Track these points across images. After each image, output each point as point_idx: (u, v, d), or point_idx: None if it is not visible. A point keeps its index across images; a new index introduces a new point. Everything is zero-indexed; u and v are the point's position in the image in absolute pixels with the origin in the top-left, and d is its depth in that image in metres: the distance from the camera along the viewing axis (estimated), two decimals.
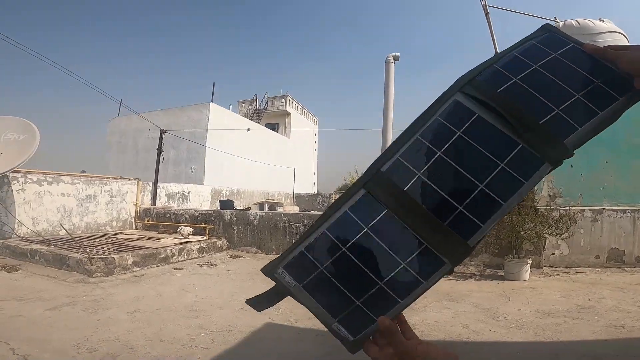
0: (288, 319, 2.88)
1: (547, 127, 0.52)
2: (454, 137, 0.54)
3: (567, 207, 4.32)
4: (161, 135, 8.92)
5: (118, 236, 5.90)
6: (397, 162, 0.55)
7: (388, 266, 0.52)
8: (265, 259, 5.56)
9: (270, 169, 18.12)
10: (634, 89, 0.51)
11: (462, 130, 0.54)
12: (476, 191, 0.52)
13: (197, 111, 14.96)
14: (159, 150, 8.67)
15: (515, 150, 0.52)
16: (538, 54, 0.58)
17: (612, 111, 0.53)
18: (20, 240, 5.01)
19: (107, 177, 7.06)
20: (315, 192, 19.93)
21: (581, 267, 4.53)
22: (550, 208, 4.25)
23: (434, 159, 0.54)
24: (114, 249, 4.62)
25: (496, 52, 6.00)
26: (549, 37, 0.61)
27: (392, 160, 0.55)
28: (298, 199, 16.10)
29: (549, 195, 4.78)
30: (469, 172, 0.53)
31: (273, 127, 22.09)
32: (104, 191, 6.69)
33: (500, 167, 0.52)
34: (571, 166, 4.90)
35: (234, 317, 2.88)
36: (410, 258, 0.52)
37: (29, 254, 4.41)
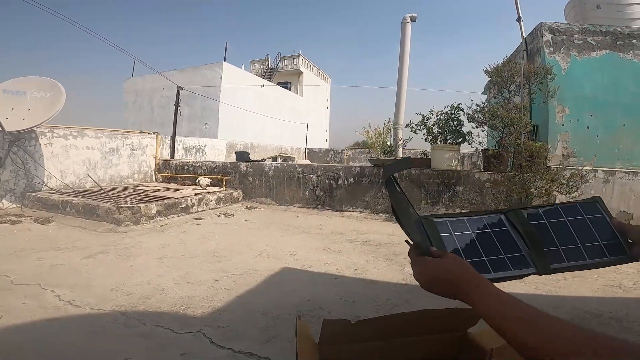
0: (303, 264, 3.01)
1: (547, 254, 0.81)
2: (486, 230, 0.86)
3: (580, 167, 4.18)
4: (178, 92, 8.87)
5: (140, 188, 6.07)
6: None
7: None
8: (280, 210, 5.74)
9: (282, 125, 18.13)
10: (625, 255, 0.76)
11: (493, 230, 0.86)
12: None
13: (211, 70, 14.90)
14: (176, 105, 8.68)
15: (517, 254, 0.81)
16: (573, 212, 0.87)
17: (596, 263, 0.78)
18: (50, 192, 5.18)
19: (128, 131, 7.10)
20: (327, 147, 19.87)
21: None
22: (562, 167, 4.11)
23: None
24: (138, 199, 4.76)
25: (519, 16, 5.51)
26: (590, 205, 0.88)
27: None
28: (310, 154, 16.10)
29: (563, 155, 4.63)
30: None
31: (285, 85, 21.85)
32: (126, 144, 6.77)
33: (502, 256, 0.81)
34: (587, 127, 4.68)
35: (253, 262, 3.03)
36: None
37: (60, 206, 4.59)
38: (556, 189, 4.02)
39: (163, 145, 7.85)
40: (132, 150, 6.90)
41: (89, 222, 4.23)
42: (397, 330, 1.10)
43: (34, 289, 2.28)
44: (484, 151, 5.03)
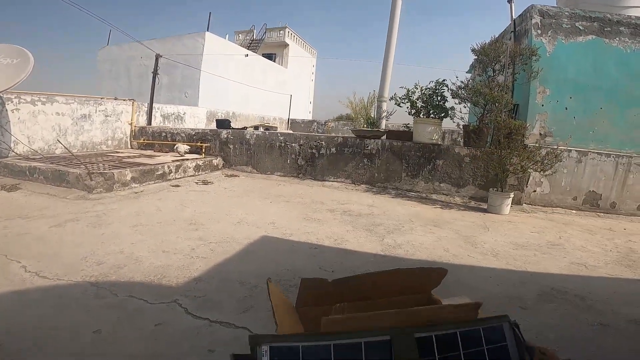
0: (283, 232, 2.93)
1: None
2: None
3: (555, 147, 4.29)
4: (157, 59, 8.33)
5: (114, 154, 5.76)
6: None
7: None
8: (260, 179, 5.58)
9: (266, 96, 17.63)
10: None
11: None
12: None
13: (193, 40, 14.03)
14: (155, 73, 8.19)
15: None
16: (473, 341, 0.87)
17: None
18: (17, 158, 4.84)
19: (101, 98, 6.65)
20: (311, 119, 19.55)
21: (558, 208, 4.62)
22: (538, 145, 4.22)
23: None
24: (111, 166, 4.51)
25: None
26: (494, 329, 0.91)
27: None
28: (293, 124, 15.77)
29: (540, 134, 4.72)
30: None
31: (270, 57, 21.09)
32: (99, 111, 6.35)
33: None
34: (566, 109, 4.78)
35: (232, 230, 2.92)
36: None
37: (27, 172, 4.28)
38: (531, 167, 4.12)
39: (139, 112, 7.43)
40: (106, 116, 6.50)
41: (58, 189, 3.97)
42: (371, 290, 1.11)
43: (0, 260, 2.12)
44: (465, 127, 5.06)
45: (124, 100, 7.01)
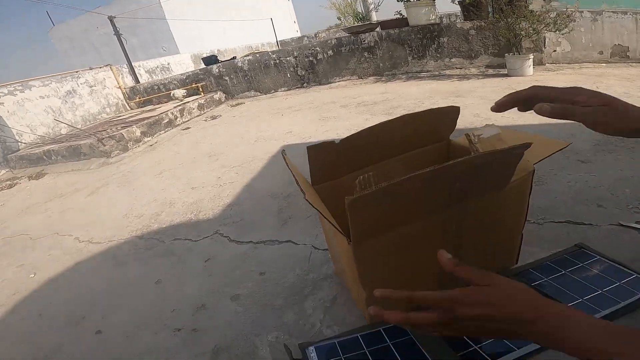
0: (301, 138, 2.76)
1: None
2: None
3: (564, 9, 3.72)
4: (111, 21, 7.45)
5: (117, 119, 5.56)
6: None
7: None
8: (266, 99, 5.26)
9: (246, 26, 16.01)
10: None
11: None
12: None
13: None
14: (117, 34, 7.42)
15: None
16: (568, 263, 0.87)
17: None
18: (29, 147, 4.78)
19: (75, 71, 6.16)
20: (300, 36, 17.82)
21: (585, 63, 4.03)
22: (546, 10, 3.66)
23: None
24: (118, 128, 4.35)
25: None
26: (579, 251, 0.90)
27: None
28: (283, 45, 14.36)
29: (544, 0, 4.09)
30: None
31: None
32: (81, 84, 5.97)
33: None
34: None
35: (251, 150, 2.79)
36: None
37: (44, 157, 4.23)
38: (544, 28, 3.67)
39: (122, 75, 6.94)
40: (91, 87, 6.12)
41: (79, 163, 3.93)
42: (383, 145, 0.95)
43: (53, 238, 2.15)
44: (460, 2, 4.47)
45: (100, 67, 6.51)
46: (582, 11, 4.05)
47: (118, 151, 3.79)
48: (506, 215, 0.85)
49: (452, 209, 0.73)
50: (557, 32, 3.69)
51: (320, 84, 5.27)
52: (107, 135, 3.93)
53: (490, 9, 4.27)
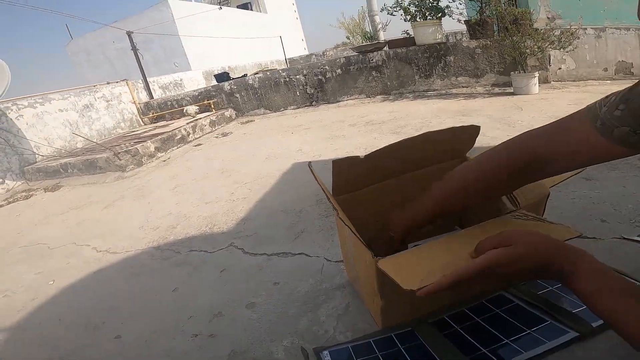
0: (312, 155, 2.85)
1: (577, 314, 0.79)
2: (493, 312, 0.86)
3: (568, 26, 3.86)
4: (129, 36, 7.80)
5: (131, 134, 5.73)
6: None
7: None
8: (275, 117, 5.42)
9: (255, 44, 16.53)
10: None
11: (500, 309, 0.85)
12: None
13: (157, 11, 12.96)
14: (134, 49, 7.74)
15: (545, 324, 0.78)
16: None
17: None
18: (47, 160, 4.94)
19: (94, 85, 6.42)
20: (308, 54, 18.36)
21: (590, 80, 4.15)
22: (550, 28, 3.82)
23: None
24: (133, 143, 4.50)
25: None
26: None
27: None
28: (292, 62, 14.80)
29: (548, 18, 4.30)
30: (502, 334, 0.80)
31: (246, 7, 19.26)
32: (98, 98, 6.20)
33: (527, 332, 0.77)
34: None
35: (262, 167, 2.88)
36: None
37: (61, 169, 4.38)
38: (549, 46, 3.81)
39: (137, 90, 7.19)
40: (107, 101, 6.35)
41: (94, 176, 4.06)
42: (404, 161, 1.02)
43: (71, 248, 2.22)
44: (466, 21, 4.71)
45: (117, 82, 6.76)
46: (586, 28, 4.17)
47: (133, 165, 3.92)
48: None
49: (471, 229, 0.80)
50: (562, 49, 3.81)
51: (329, 103, 5.41)
52: (122, 150, 4.07)
53: (495, 28, 4.44)
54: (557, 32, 3.78)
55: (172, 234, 2.07)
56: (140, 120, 6.89)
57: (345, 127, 3.61)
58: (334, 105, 5.17)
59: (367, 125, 3.49)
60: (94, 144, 5.00)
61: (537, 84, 3.85)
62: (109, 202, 3.00)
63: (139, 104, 6.90)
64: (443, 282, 0.54)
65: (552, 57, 4.25)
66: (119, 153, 3.91)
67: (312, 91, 5.54)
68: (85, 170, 4.20)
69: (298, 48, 22.59)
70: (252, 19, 18.00)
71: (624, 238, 1.22)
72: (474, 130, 1.06)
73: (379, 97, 5.06)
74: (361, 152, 2.66)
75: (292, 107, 5.70)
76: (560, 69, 4.34)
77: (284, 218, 1.91)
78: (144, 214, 2.49)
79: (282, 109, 5.75)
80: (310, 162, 0.96)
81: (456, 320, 0.87)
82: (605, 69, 4.28)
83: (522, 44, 3.78)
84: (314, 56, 14.70)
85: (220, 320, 1.22)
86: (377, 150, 0.98)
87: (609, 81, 4.18)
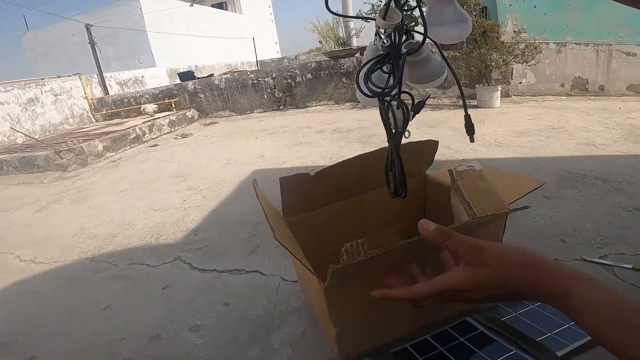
0: (274, 162, 2.73)
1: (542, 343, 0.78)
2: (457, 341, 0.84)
3: (532, 40, 4.09)
4: (87, 29, 7.33)
5: (80, 130, 5.32)
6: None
7: None
8: (241, 120, 5.23)
9: (227, 44, 16.19)
10: None
11: (464, 337, 0.83)
12: None
13: (127, 6, 12.37)
14: (91, 43, 7.31)
15: (509, 354, 0.77)
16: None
17: None
18: None
19: (41, 78, 5.92)
20: (280, 57, 18.22)
21: (548, 95, 4.40)
22: (515, 41, 4.03)
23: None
24: (80, 141, 4.15)
25: None
26: None
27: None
28: (262, 65, 14.63)
29: (514, 31, 4.49)
30: None
31: (221, 6, 18.92)
32: (45, 92, 5.72)
33: None
34: (535, 7, 4.52)
35: (221, 172, 2.72)
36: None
37: None
38: (513, 60, 3.99)
39: (91, 85, 6.73)
40: (56, 95, 5.88)
41: (32, 175, 3.67)
42: (359, 180, 0.95)
43: None
44: None
45: (69, 75, 6.30)
46: (549, 42, 4.43)
47: (76, 165, 3.59)
48: None
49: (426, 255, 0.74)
50: (525, 63, 4.01)
51: (297, 107, 5.33)
52: (65, 148, 3.72)
53: (465, 40, 4.59)
54: (522, 46, 3.97)
55: (111, 243, 1.87)
56: (92, 116, 6.42)
57: (312, 134, 3.53)
58: (302, 111, 5.09)
59: (335, 133, 3.44)
60: (34, 140, 4.55)
61: (499, 98, 4.01)
62: (44, 205, 2.70)
63: (91, 99, 6.45)
64: (400, 295, 0.46)
65: (514, 71, 4.47)
66: (61, 151, 3.57)
67: (281, 95, 5.44)
68: (22, 168, 3.80)
69: (271, 51, 22.49)
70: (225, 19, 17.70)
71: (585, 260, 1.22)
72: (433, 146, 1.00)
73: (347, 104, 5.06)
74: (327, 161, 2.60)
75: (258, 110, 5.56)
76: (521, 83, 4.57)
77: (240, 230, 1.77)
78: (81, 220, 2.25)
79: (248, 112, 5.59)
80: (255, 180, 0.86)
81: (420, 350, 0.81)
82: (562, 85, 4.53)
83: (489, 57, 3.94)
84: (286, 60, 14.62)
85: (159, 344, 1.08)
86: (330, 166, 0.90)
87: (564, 97, 4.42)
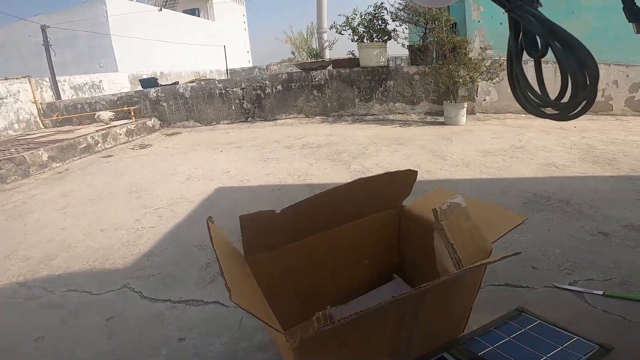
0: (239, 180, 2.60)
1: None
2: None
3: (497, 57, 4.30)
4: (44, 31, 6.89)
5: (25, 137, 4.87)
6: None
7: None
8: (206, 131, 5.02)
9: (196, 51, 15.87)
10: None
11: None
12: None
13: (92, 8, 11.88)
14: (46, 45, 6.85)
15: None
16: (511, 329, 0.90)
17: None
18: None
19: None
20: (251, 66, 18.10)
21: (509, 113, 4.61)
22: (482, 58, 4.22)
23: None
24: (23, 149, 3.77)
25: None
26: (519, 316, 0.95)
27: None
28: (233, 74, 14.40)
29: (481, 48, 4.73)
30: None
31: (193, 13, 18.78)
32: None
33: None
34: (501, 24, 4.68)
35: (180, 189, 2.54)
36: None
37: None
38: (479, 77, 4.15)
39: (41, 88, 6.25)
40: (1, 99, 5.38)
41: None
42: (331, 215, 0.88)
43: None
44: (409, 47, 4.99)
45: (17, 78, 5.80)
46: None
47: (16, 176, 3.24)
48: (463, 294, 0.85)
49: (407, 307, 0.68)
50: (489, 80, 4.19)
51: (265, 120, 5.23)
52: (4, 157, 3.35)
53: (435, 55, 4.77)
54: (488, 63, 4.15)
55: (48, 267, 1.66)
56: (40, 122, 5.93)
57: (280, 149, 3.44)
58: (271, 124, 5.00)
59: (304, 149, 3.37)
60: None
61: (465, 115, 4.16)
62: None
63: (41, 103, 5.96)
64: None
65: (479, 89, 4.67)
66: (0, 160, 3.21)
67: (249, 106, 5.32)
68: None
69: (242, 60, 22.30)
70: (196, 26, 17.39)
71: (556, 287, 1.21)
72: (411, 176, 0.95)
73: (318, 117, 5.04)
74: (295, 179, 2.50)
75: (225, 121, 5.40)
76: (485, 100, 4.78)
77: (199, 255, 1.62)
78: (14, 239, 2.00)
79: (214, 123, 5.41)
80: (210, 216, 0.75)
81: None
82: None
83: (457, 73, 4.08)
84: (257, 69, 14.49)
85: None
86: (297, 203, 0.81)
87: (524, 115, 4.60)
